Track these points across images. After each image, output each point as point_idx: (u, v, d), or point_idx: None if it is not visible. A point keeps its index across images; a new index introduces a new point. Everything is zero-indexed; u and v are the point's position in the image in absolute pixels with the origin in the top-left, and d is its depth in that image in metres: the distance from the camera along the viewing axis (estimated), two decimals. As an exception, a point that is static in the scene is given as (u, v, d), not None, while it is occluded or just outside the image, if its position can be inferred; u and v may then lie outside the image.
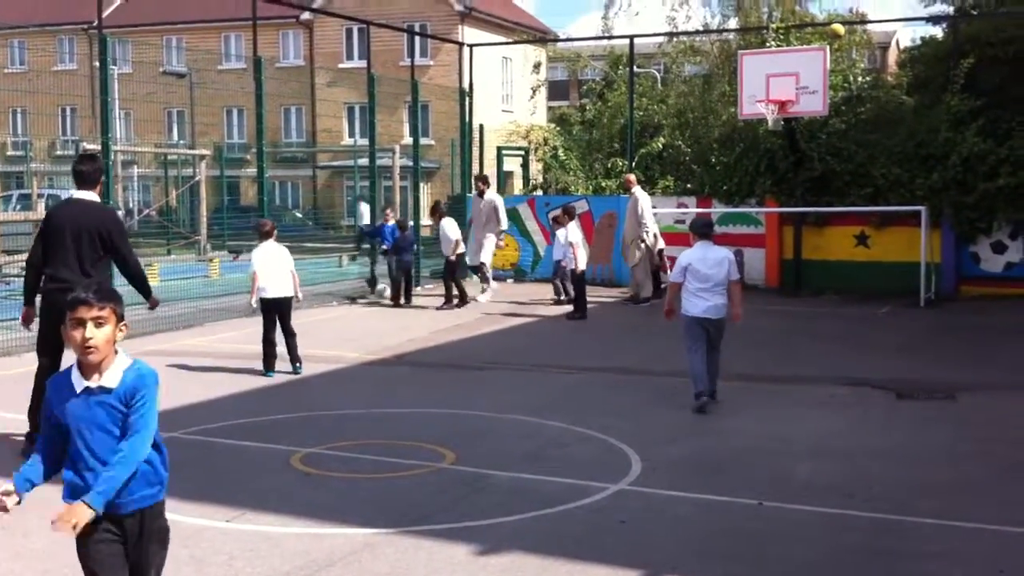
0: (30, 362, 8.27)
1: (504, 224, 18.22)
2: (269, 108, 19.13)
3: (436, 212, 18.08)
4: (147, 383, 3.65)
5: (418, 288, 18.62)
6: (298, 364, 11.08)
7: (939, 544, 5.78)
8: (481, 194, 18.42)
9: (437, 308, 16.72)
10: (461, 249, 17.47)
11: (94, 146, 18.84)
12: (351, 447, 7.87)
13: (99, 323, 3.57)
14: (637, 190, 17.51)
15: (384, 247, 17.93)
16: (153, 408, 3.66)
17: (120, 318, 3.66)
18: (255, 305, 11.25)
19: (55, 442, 3.66)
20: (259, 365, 11.08)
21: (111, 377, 3.62)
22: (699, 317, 9.18)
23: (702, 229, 9.52)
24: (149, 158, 36.76)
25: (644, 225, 17.11)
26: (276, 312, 11.07)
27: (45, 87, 34.33)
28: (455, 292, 16.95)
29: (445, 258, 17.37)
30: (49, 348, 7.71)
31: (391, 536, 5.87)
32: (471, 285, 17.92)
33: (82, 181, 7.83)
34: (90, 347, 3.55)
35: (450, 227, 17.37)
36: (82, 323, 3.55)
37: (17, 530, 5.84)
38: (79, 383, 3.62)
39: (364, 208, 30.28)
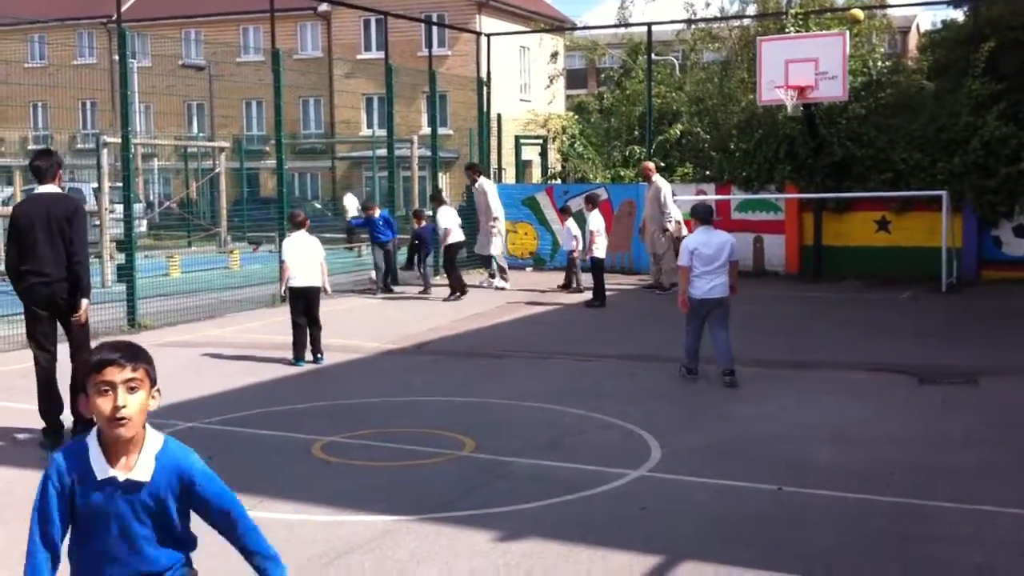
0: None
1: (495, 211, 17.89)
2: (287, 100, 19.17)
3: (436, 200, 17.98)
4: (192, 465, 3.05)
5: (436, 278, 18.66)
6: (320, 355, 11.16)
7: (960, 528, 5.77)
8: (474, 183, 18.39)
9: (444, 299, 16.57)
10: (452, 239, 17.19)
11: (114, 139, 18.92)
12: (372, 435, 7.90)
13: (132, 388, 2.93)
14: (658, 178, 17.42)
15: (379, 239, 17.88)
16: (220, 483, 3.09)
17: (153, 382, 3.01)
18: (284, 294, 11.36)
19: (58, 529, 2.99)
20: (279, 354, 11.21)
21: (142, 467, 2.98)
22: (704, 298, 9.73)
23: (704, 215, 10.08)
24: (169, 151, 36.88)
25: (667, 213, 17.06)
26: (303, 301, 11.17)
27: (65, 81, 34.40)
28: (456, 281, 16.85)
29: (444, 248, 17.36)
30: (40, 340, 7.74)
31: (411, 523, 5.90)
32: (472, 276, 17.77)
33: (42, 176, 7.89)
34: (123, 418, 2.90)
35: (443, 216, 17.27)
36: (112, 387, 2.90)
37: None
38: (102, 468, 2.96)
39: (349, 200, 30.29)
